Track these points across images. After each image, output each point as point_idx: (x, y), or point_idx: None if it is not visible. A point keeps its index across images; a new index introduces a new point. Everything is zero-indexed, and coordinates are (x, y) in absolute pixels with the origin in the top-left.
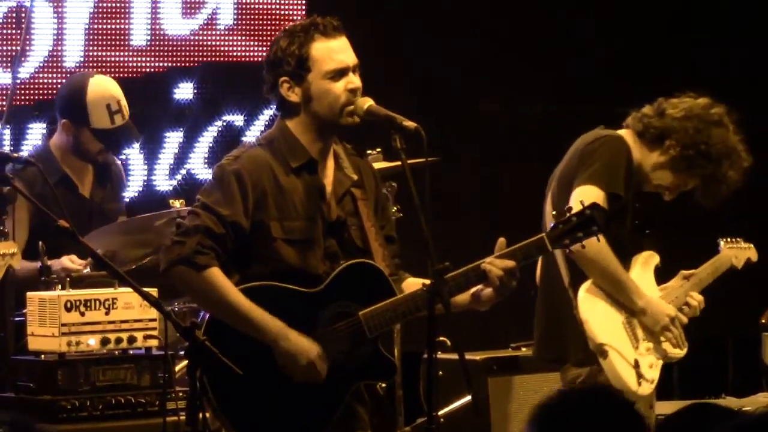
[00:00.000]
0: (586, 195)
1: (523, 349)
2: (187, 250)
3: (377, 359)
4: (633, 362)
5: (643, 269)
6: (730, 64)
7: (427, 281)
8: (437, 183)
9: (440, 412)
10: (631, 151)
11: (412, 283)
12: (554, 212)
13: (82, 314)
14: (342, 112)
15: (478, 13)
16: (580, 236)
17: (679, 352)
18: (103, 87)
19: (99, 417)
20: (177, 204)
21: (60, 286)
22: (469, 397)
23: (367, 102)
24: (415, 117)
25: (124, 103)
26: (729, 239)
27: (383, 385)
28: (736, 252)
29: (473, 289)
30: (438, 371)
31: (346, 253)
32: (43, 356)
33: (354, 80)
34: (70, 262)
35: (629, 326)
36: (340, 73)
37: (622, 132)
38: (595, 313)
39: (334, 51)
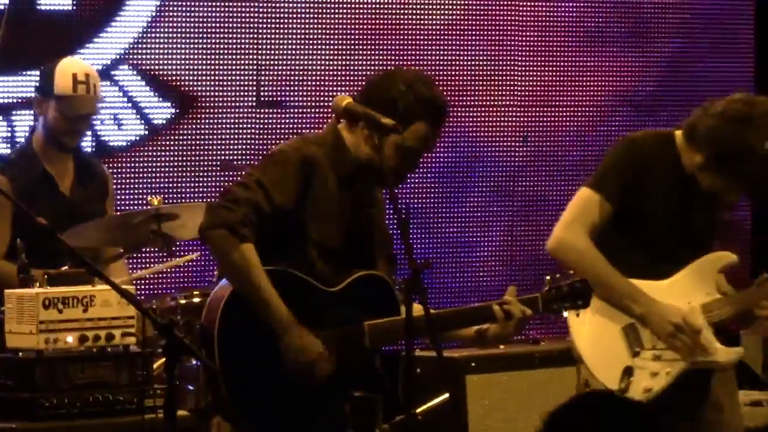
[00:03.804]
0: (579, 196)
1: (501, 346)
2: (233, 218)
3: (369, 372)
4: (623, 370)
5: (691, 273)
6: None
7: (432, 311)
8: None
9: (418, 410)
10: (645, 152)
11: (416, 308)
12: (548, 277)
13: (60, 311)
14: (383, 175)
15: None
16: (566, 306)
17: (703, 359)
18: (75, 61)
19: (77, 415)
20: (155, 201)
21: (38, 284)
22: (447, 395)
23: (345, 100)
24: None
25: (94, 82)
26: None
27: None
28: None
29: (477, 327)
30: (416, 369)
31: (354, 265)
32: (20, 354)
33: (412, 171)
34: None
35: (631, 333)
36: (415, 155)
37: (677, 133)
38: (584, 319)
39: (428, 140)
